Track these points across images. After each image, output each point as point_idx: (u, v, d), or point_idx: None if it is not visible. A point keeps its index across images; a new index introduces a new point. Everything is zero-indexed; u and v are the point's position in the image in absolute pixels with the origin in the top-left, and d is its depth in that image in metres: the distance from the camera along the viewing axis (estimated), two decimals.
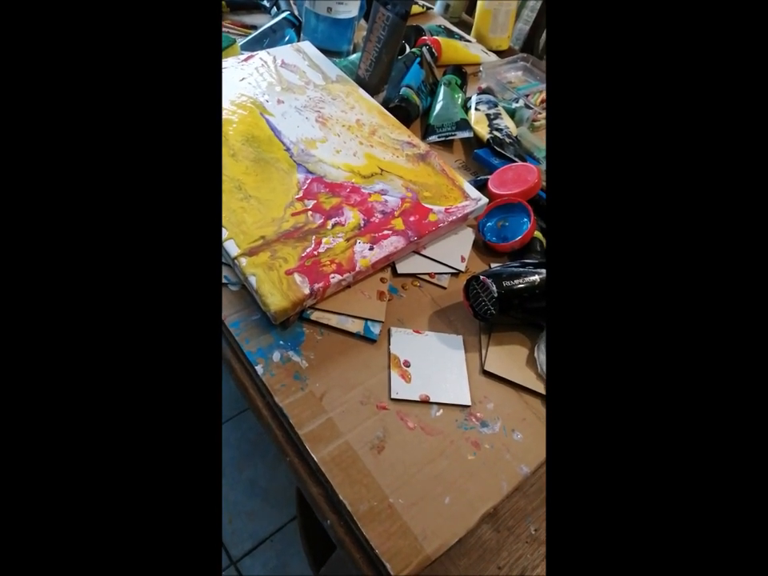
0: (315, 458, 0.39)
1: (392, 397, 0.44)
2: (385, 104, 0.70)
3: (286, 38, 0.80)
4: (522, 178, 0.62)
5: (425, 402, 0.45)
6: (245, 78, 0.66)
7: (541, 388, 0.48)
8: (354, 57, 0.79)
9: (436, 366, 0.47)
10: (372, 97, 0.69)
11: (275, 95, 0.65)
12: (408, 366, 0.47)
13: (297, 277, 0.46)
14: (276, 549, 1.02)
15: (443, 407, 0.45)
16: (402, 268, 0.54)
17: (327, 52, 0.75)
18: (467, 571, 0.38)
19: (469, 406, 0.45)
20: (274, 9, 0.86)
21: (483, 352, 0.49)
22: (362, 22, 0.89)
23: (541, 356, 0.49)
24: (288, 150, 0.58)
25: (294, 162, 0.57)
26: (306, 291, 0.46)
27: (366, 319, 0.48)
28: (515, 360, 0.49)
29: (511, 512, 0.41)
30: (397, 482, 0.40)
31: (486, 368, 0.48)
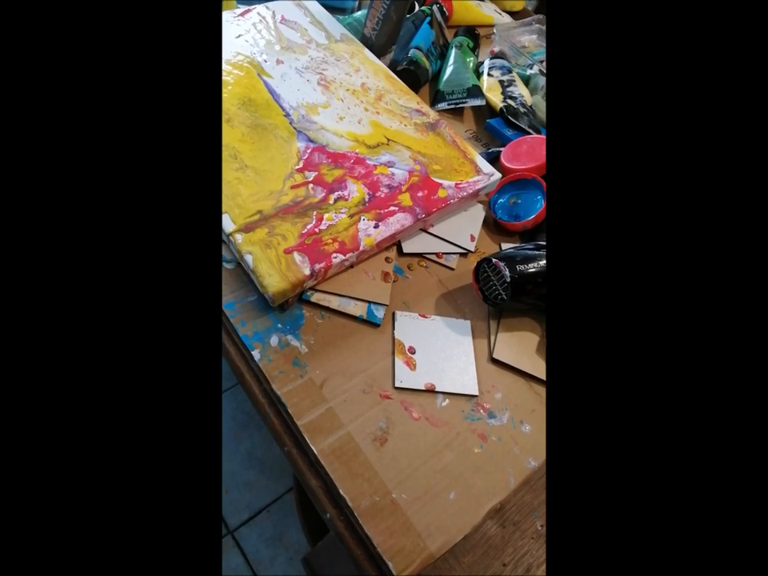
0: (315, 450, 0.37)
1: (396, 385, 0.42)
2: (392, 66, 0.65)
3: None
4: (537, 151, 0.58)
5: (430, 391, 0.42)
6: (241, 35, 0.61)
7: None
8: (359, 14, 0.73)
9: (442, 352, 0.45)
10: (378, 58, 0.64)
11: (274, 55, 0.60)
12: (413, 353, 0.44)
13: (296, 256, 0.43)
14: (272, 519, 1.02)
15: (449, 397, 0.43)
16: (408, 247, 0.51)
17: (331, 8, 0.69)
18: (471, 568, 0.36)
19: (476, 396, 0.43)
20: None
21: (492, 339, 0.47)
22: None
23: None
24: (287, 115, 0.54)
25: (294, 128, 0.53)
26: (306, 272, 0.43)
27: (370, 302, 0.46)
28: (525, 348, 0.47)
29: (517, 507, 0.39)
30: (400, 476, 0.38)
31: (494, 356, 0.45)
